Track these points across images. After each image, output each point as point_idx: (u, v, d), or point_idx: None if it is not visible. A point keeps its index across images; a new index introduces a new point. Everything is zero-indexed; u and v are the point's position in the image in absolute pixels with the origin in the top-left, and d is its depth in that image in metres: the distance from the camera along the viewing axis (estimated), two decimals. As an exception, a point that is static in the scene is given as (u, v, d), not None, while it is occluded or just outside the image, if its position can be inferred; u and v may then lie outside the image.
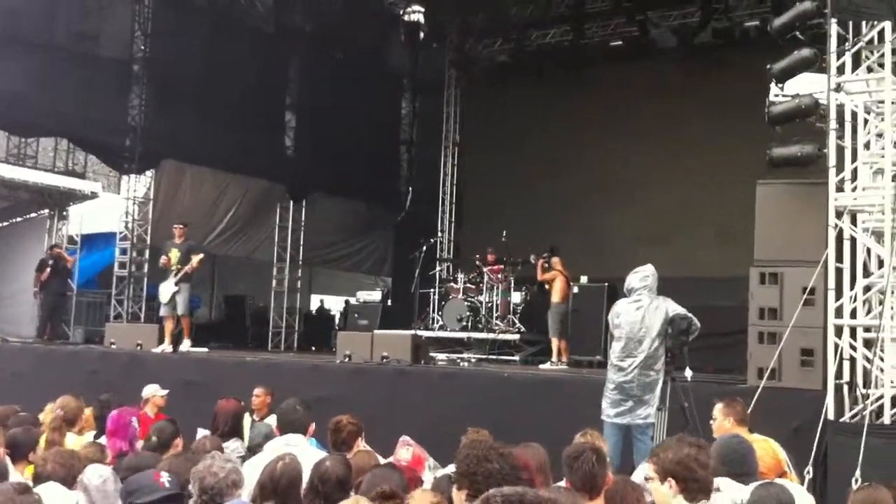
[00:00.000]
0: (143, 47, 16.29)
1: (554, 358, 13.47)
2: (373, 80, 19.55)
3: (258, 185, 18.32)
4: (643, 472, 5.21)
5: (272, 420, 8.42)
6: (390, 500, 3.99)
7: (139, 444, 6.53)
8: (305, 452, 5.20)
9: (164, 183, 17.18)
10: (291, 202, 18.76)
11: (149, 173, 17.03)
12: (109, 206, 18.13)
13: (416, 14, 20.68)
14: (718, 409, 6.61)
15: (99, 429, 7.30)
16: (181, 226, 13.79)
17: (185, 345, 13.48)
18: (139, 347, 13.43)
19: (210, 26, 16.79)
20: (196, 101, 16.34)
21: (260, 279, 18.54)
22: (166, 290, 13.41)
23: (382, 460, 5.80)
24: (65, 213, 17.81)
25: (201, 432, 7.49)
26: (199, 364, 12.78)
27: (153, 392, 9.21)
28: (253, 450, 6.44)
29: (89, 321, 16.73)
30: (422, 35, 20.70)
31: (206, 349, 14.15)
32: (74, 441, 6.93)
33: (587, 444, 5.00)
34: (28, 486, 4.33)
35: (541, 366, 13.41)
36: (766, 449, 5.77)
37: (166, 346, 13.38)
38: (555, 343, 13.57)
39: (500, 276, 15.24)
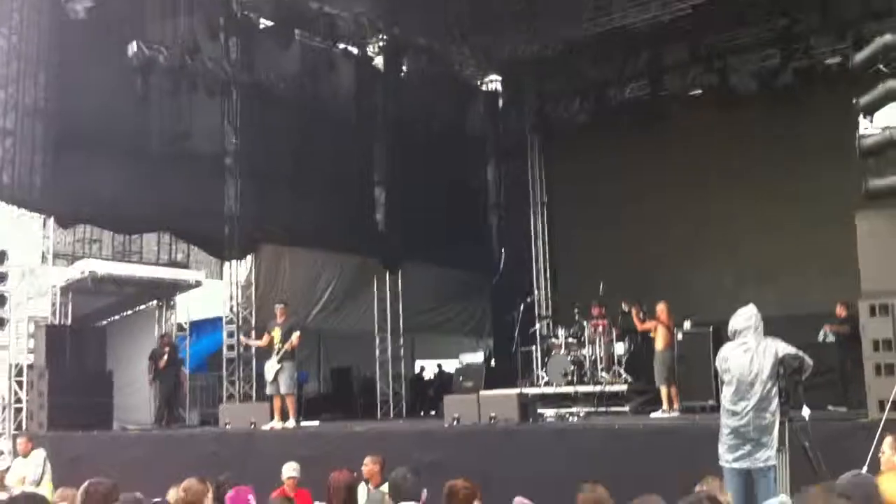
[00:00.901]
0: (234, 140, 16.96)
1: (665, 406, 13.28)
2: (456, 150, 19.91)
3: (354, 261, 18.77)
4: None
5: (386, 488, 8.69)
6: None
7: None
8: None
9: (263, 266, 17.72)
10: (388, 273, 19.09)
11: (249, 258, 17.57)
12: (214, 292, 18.68)
13: (493, 83, 21.25)
14: (888, 443, 6.43)
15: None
16: (282, 305, 14.09)
17: (290, 423, 13.58)
18: (253, 426, 13.69)
19: (295, 116, 17.39)
20: (288, 187, 16.99)
21: (364, 350, 18.80)
22: (270, 368, 13.69)
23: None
24: (172, 302, 18.51)
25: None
26: (311, 438, 12.96)
27: (290, 472, 9.60)
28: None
29: (204, 404, 17.20)
30: (501, 102, 21.22)
31: (316, 422, 14.35)
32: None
33: (703, 493, 4.97)
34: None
35: (652, 414, 13.23)
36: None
37: (275, 423, 13.60)
38: (664, 391, 13.38)
39: (601, 328, 15.19)
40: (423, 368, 21.44)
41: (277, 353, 13.62)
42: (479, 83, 21.23)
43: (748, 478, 7.85)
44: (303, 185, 17.10)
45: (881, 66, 9.78)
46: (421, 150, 18.81)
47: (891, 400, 8.64)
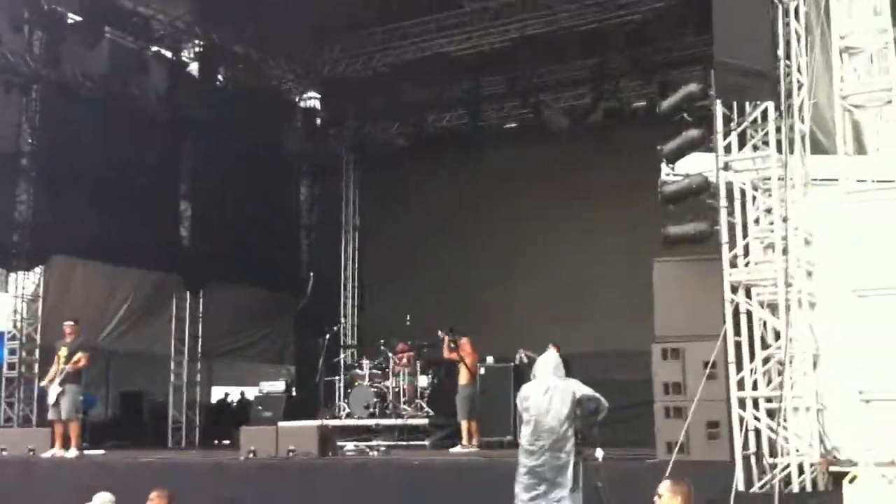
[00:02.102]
0: (30, 140, 15.85)
1: (465, 441, 13.30)
2: (270, 166, 19.38)
3: (152, 277, 17.80)
4: None
5: None
6: None
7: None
8: None
9: (53, 279, 16.55)
10: (188, 293, 18.30)
11: (38, 269, 16.42)
12: (-2, 304, 17.41)
13: (312, 100, 20.87)
14: (667, 486, 6.42)
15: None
16: (71, 323, 13.35)
17: (71, 452, 12.79)
18: (31, 453, 12.79)
19: (101, 117, 16.39)
20: (87, 194, 15.90)
21: (158, 373, 17.88)
22: (53, 391, 12.91)
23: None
24: (-52, 314, 16.99)
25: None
26: (95, 468, 12.23)
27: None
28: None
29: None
30: (319, 120, 20.87)
31: (101, 451, 13.57)
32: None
33: None
34: None
35: (451, 450, 13.24)
36: None
37: (56, 451, 12.79)
38: (464, 426, 13.40)
39: (405, 360, 15.13)
40: (226, 395, 20.68)
41: (60, 373, 12.84)
42: (297, 99, 20.78)
43: (542, 518, 7.92)
44: (103, 193, 16.04)
45: (685, 115, 10.15)
46: (233, 164, 18.18)
47: (679, 442, 8.93)
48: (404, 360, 15.16)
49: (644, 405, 10.54)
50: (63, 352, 13.02)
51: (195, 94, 18.11)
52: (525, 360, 13.99)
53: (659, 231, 10.02)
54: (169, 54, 17.93)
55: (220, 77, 18.84)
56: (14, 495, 11.05)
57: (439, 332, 14.21)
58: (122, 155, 16.27)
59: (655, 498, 6.46)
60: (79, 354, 12.92)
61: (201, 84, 18.41)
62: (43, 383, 13.31)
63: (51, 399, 12.93)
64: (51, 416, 13.02)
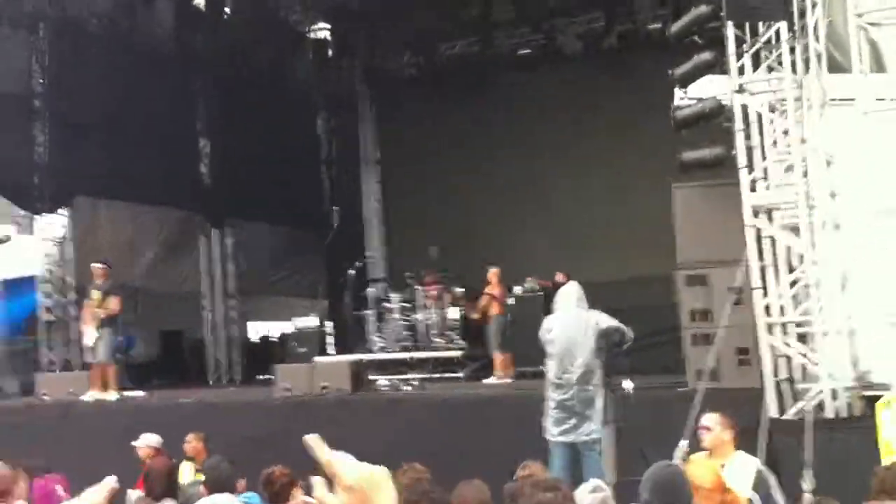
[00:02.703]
0: (41, 80, 15.68)
1: (499, 372, 13.19)
2: (284, 100, 19.13)
3: (176, 215, 17.81)
4: (587, 488, 5.29)
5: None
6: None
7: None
8: None
9: (79, 221, 16.59)
10: (213, 231, 18.37)
11: (61, 212, 16.49)
12: (26, 248, 17.51)
13: (322, 31, 20.58)
14: (717, 420, 6.48)
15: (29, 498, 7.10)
16: (100, 266, 13.41)
17: (111, 395, 12.97)
18: (72, 396, 13.04)
19: (109, 56, 16.07)
20: (103, 133, 15.70)
21: (192, 312, 17.94)
22: (90, 335, 13.08)
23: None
24: (-23, 260, 17.16)
25: (132, 495, 7.37)
26: (134, 410, 12.54)
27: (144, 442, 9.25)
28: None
29: (21, 370, 16.13)
30: (330, 52, 20.62)
31: (141, 392, 13.82)
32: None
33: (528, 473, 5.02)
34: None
35: (485, 381, 13.21)
36: (707, 466, 5.77)
37: (95, 394, 12.99)
38: (497, 357, 13.32)
39: (434, 292, 15.11)
40: (268, 331, 20.86)
41: (94, 317, 12.99)
42: (306, 31, 20.48)
43: (574, 451, 8.05)
44: (119, 133, 15.81)
45: (696, 37, 10.01)
46: (246, 99, 17.93)
47: (707, 370, 9.01)
48: (433, 291, 15.13)
49: (669, 332, 10.61)
50: (95, 295, 13.11)
51: (202, 28, 17.83)
52: (536, 286, 14.03)
53: (675, 157, 9.96)
54: (174, -13, 17.65)
55: (226, 10, 18.51)
56: (56, 439, 11.34)
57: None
58: (134, 93, 15.96)
59: (703, 431, 6.51)
60: (114, 298, 13.03)
61: (208, 17, 18.07)
62: (83, 329, 13.42)
63: (88, 342, 13.12)
64: (88, 358, 13.25)
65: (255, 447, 9.48)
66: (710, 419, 6.53)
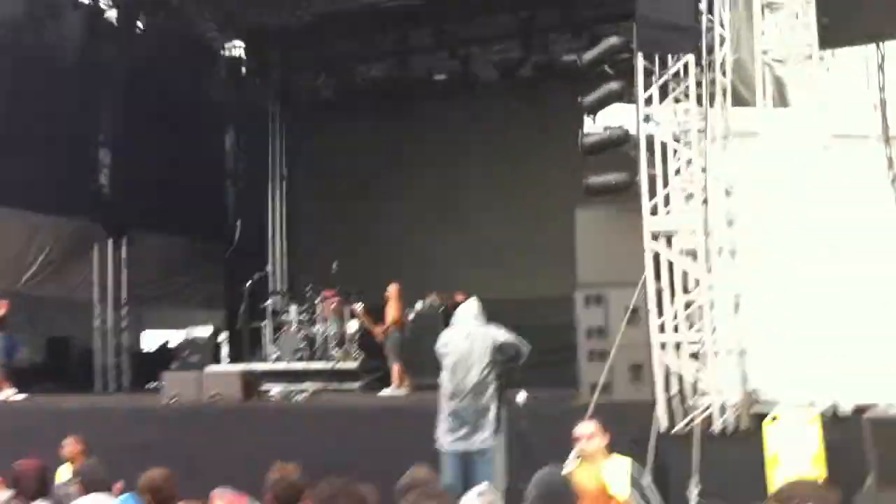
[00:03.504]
0: (-64, 87, 15.33)
1: (395, 383, 13.32)
2: (193, 115, 18.88)
3: (72, 224, 17.40)
4: (476, 491, 5.21)
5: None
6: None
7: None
8: None
9: (-35, 227, 16.10)
10: (110, 241, 17.98)
11: (-49, 218, 15.93)
12: None
13: (237, 49, 20.46)
14: (594, 426, 6.57)
15: None
16: None
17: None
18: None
19: (12, 63, 15.75)
20: (1, 142, 15.45)
21: (83, 320, 17.48)
22: None
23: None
24: None
25: (2, 496, 7.03)
26: (14, 413, 12.06)
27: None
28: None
29: None
30: (244, 70, 20.50)
31: (23, 395, 13.41)
32: None
33: (421, 476, 4.94)
34: None
35: (381, 392, 13.30)
36: (591, 472, 5.70)
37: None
38: (395, 369, 13.42)
39: (334, 305, 15.14)
40: (167, 341, 20.38)
41: None
42: (221, 48, 20.33)
43: (466, 460, 8.02)
44: (16, 141, 15.47)
45: (606, 67, 10.22)
46: (155, 112, 17.64)
47: (600, 384, 9.11)
48: (334, 304, 15.14)
49: (567, 350, 10.72)
50: None
51: (113, 41, 17.60)
52: (436, 302, 14.17)
53: (578, 183, 10.15)
54: (86, 0, 17.34)
55: (139, 24, 18.28)
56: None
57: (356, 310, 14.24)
58: (36, 102, 15.67)
59: (585, 439, 6.51)
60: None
61: (120, 31, 17.84)
62: None
63: None
64: None
65: (138, 453, 9.09)
66: (590, 426, 6.59)
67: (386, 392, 13.25)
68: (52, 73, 16.21)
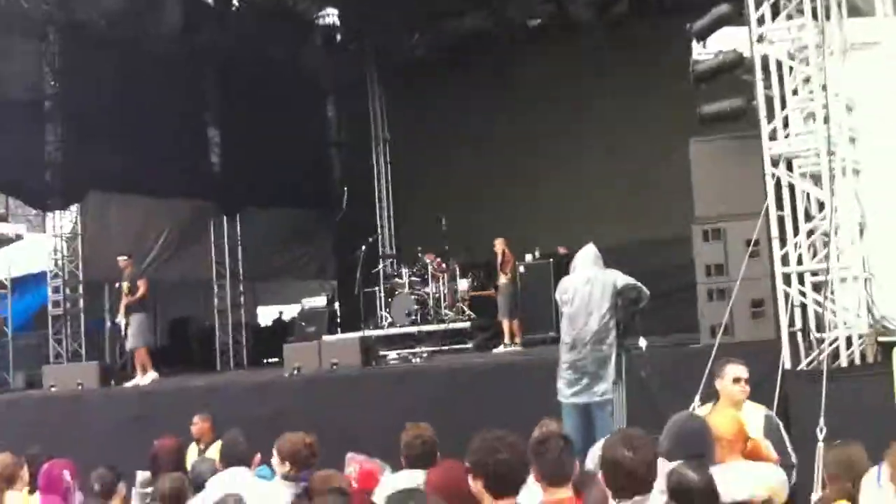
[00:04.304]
0: (52, 83, 15.74)
1: (507, 340, 13.24)
2: (293, 87, 19.09)
3: (188, 206, 17.83)
4: (594, 454, 4.99)
5: (216, 450, 8.32)
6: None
7: (78, 496, 6.17)
8: (250, 486, 5.12)
9: (90, 216, 16.60)
10: (225, 218, 18.35)
11: (73, 208, 16.50)
12: (37, 245, 17.55)
13: (329, 17, 20.45)
14: (746, 371, 6.15)
15: (32, 485, 6.89)
16: (124, 258, 14.08)
17: (146, 378, 13.33)
18: (80, 387, 13.04)
19: (118, 56, 16.10)
20: (114, 131, 15.77)
21: (202, 299, 18.00)
22: (122, 323, 13.73)
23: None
24: (-10, 258, 17.18)
25: (140, 475, 7.16)
26: (143, 397, 12.41)
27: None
28: (197, 487, 6.10)
29: (30, 365, 16.16)
30: (338, 37, 20.49)
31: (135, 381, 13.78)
32: (15, 500, 6.53)
33: (554, 431, 4.79)
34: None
35: (494, 350, 13.23)
36: (730, 415, 5.28)
37: (139, 380, 13.41)
38: (506, 325, 13.34)
39: (444, 265, 15.10)
40: (280, 313, 20.88)
41: (124, 306, 13.64)
42: (314, 17, 20.36)
43: (586, 412, 7.82)
44: (130, 129, 15.87)
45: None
46: (256, 88, 17.91)
47: (722, 325, 8.73)
48: (443, 265, 15.11)
49: (685, 291, 10.36)
50: (124, 286, 13.72)
51: (211, 23, 17.74)
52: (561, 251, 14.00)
53: (693, 117, 9.75)
54: (183, -15, 17.67)
55: (234, 2, 18.39)
56: (65, 430, 11.18)
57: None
58: (144, 89, 16.03)
59: (742, 383, 6.07)
60: (141, 281, 13.77)
61: (216, 11, 17.99)
62: (116, 319, 14.15)
63: (123, 331, 13.72)
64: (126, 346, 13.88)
65: (267, 425, 9.19)
66: (745, 370, 6.14)
67: (500, 349, 13.17)
68: (156, 60, 16.60)
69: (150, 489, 6.10)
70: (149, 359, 13.54)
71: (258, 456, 5.96)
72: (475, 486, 3.84)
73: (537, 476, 4.26)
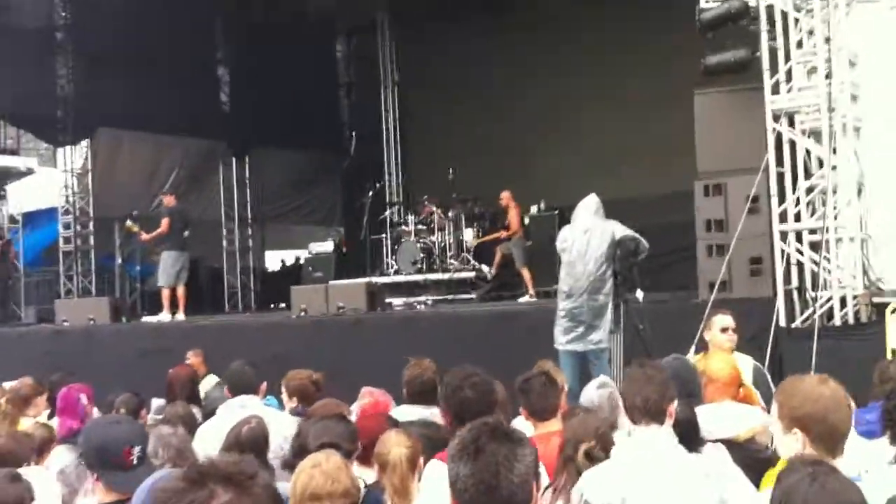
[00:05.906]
0: (63, 13, 15.71)
1: (531, 290, 13.17)
2: (303, 27, 18.97)
3: (198, 145, 17.88)
4: (595, 384, 5.19)
5: (209, 380, 8.85)
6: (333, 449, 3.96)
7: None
8: (259, 412, 5.21)
9: (101, 152, 16.71)
10: (234, 159, 18.38)
11: (84, 143, 16.57)
12: (48, 180, 17.63)
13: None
14: (730, 319, 6.31)
15: (52, 410, 7.16)
16: (166, 196, 14.16)
17: (165, 316, 13.39)
18: (91, 322, 13.24)
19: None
20: (125, 66, 15.76)
21: (211, 240, 17.99)
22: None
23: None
24: (2, 192, 17.24)
25: (156, 402, 7.43)
26: (154, 332, 12.63)
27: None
28: (209, 413, 6.35)
29: (41, 300, 16.38)
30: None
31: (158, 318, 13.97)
32: (30, 424, 6.79)
33: (541, 370, 4.96)
34: (19, 474, 4.13)
35: (520, 300, 13.17)
36: (726, 360, 5.38)
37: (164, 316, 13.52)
38: (526, 275, 13.32)
39: (450, 214, 15.06)
40: (283, 260, 20.93)
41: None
42: (326, -44, 20.11)
43: (583, 360, 7.98)
44: (141, 65, 15.86)
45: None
46: (265, 27, 17.85)
47: (718, 281, 8.81)
48: (451, 213, 15.06)
49: (685, 249, 10.42)
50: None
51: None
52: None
53: (695, 71, 9.67)
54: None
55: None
56: (78, 362, 11.42)
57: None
58: (155, 25, 15.94)
59: (729, 332, 6.24)
60: (164, 220, 13.60)
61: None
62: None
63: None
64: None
65: (274, 363, 9.44)
66: (731, 320, 6.30)
67: (524, 299, 13.10)
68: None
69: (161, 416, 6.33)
70: (167, 300, 13.42)
71: (264, 384, 6.10)
72: (445, 422, 4.05)
73: (525, 413, 4.48)
